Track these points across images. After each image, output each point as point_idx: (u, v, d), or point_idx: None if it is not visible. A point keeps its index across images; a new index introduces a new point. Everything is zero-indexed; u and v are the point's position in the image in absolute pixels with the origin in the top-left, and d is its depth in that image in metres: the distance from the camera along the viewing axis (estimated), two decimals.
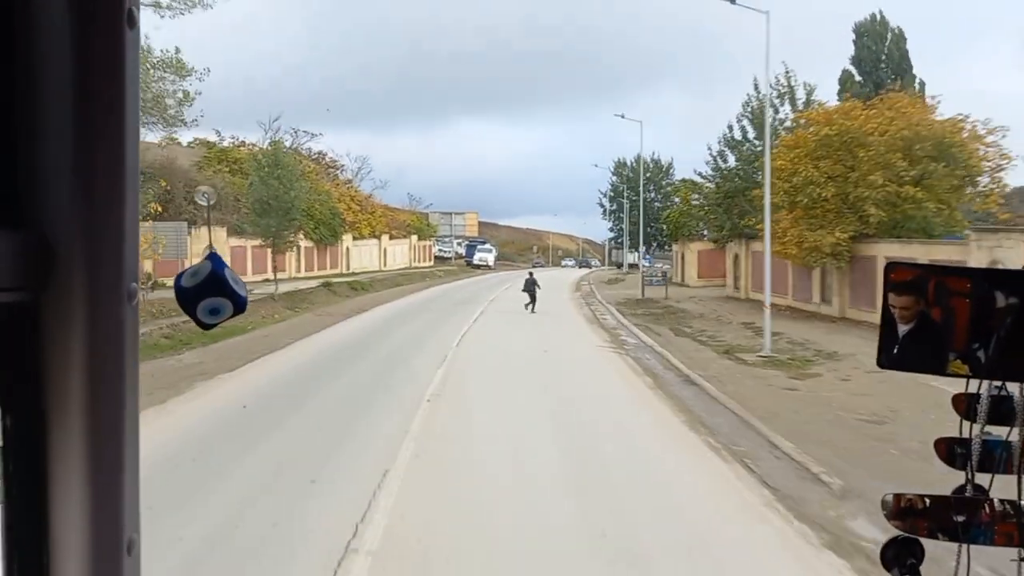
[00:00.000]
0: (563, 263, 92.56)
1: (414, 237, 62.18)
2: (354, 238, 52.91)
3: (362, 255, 55.33)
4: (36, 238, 0.90)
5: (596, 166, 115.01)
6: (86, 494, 0.96)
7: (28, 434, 0.94)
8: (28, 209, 0.91)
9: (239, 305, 1.12)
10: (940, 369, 1.61)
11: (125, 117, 0.94)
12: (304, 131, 50.19)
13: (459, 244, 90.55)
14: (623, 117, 79.37)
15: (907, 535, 1.64)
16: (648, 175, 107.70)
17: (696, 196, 48.11)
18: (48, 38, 0.90)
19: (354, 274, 48.28)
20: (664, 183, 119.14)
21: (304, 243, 40.03)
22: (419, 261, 63.94)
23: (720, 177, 41.15)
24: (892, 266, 1.60)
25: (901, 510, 1.66)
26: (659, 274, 37.32)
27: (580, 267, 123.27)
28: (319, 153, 57.64)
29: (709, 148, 41.17)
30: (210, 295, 1.11)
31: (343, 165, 62.89)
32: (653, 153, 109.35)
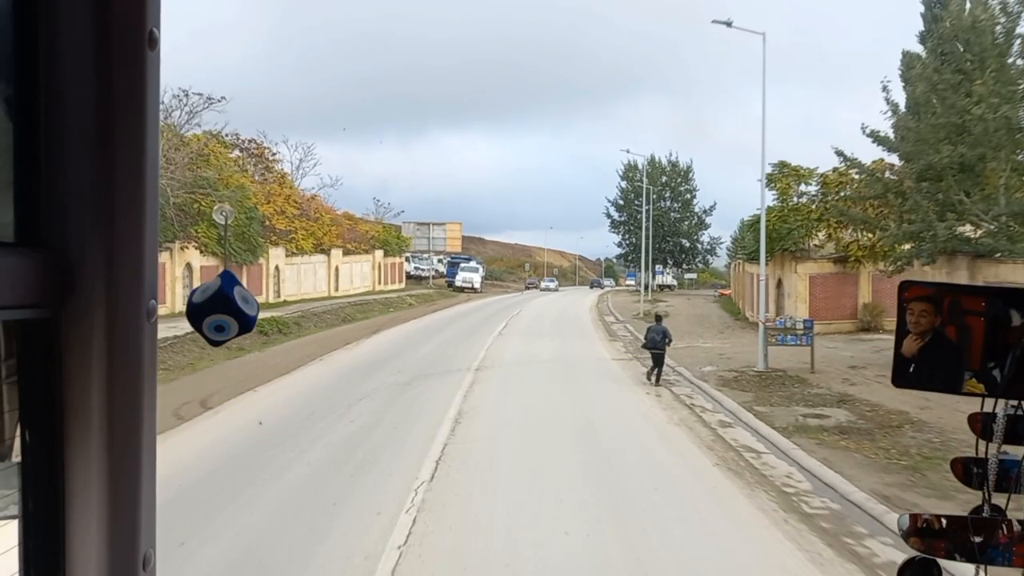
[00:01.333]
0: (543, 285, 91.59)
1: (379, 252, 50.49)
2: (288, 253, 36.76)
3: (301, 277, 38.72)
4: (57, 256, 0.95)
5: (627, 151, 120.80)
6: (103, 509, 1.00)
7: (46, 449, 0.99)
8: (50, 228, 0.95)
9: (245, 324, 1.11)
10: (955, 388, 1.62)
11: (145, 137, 0.99)
12: (197, 93, 34.05)
13: (440, 261, 76.84)
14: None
15: (924, 556, 1.62)
16: (664, 180, 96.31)
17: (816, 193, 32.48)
18: (70, 60, 0.94)
19: (285, 303, 33.07)
20: (683, 188, 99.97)
21: (199, 260, 28.99)
22: (386, 282, 52.69)
23: (917, 139, 20.11)
24: (906, 285, 1.63)
25: (918, 530, 1.63)
26: (793, 323, 21.64)
27: (592, 287, 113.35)
28: (247, 140, 41.99)
29: (886, 90, 21.69)
30: (216, 312, 1.11)
31: (277, 155, 45.01)
32: (670, 154, 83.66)
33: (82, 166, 0.98)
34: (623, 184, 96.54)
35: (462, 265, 68.75)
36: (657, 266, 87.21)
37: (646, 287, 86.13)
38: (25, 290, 0.95)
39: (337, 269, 42.91)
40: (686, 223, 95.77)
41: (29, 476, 1.01)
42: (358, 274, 48.07)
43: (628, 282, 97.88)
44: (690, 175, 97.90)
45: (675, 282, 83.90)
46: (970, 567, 1.56)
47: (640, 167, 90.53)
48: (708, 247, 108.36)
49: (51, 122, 0.97)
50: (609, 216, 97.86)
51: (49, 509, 1.00)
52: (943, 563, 1.59)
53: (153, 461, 1.05)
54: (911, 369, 1.61)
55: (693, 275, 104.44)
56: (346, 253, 44.28)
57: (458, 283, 63.68)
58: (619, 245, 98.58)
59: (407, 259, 68.98)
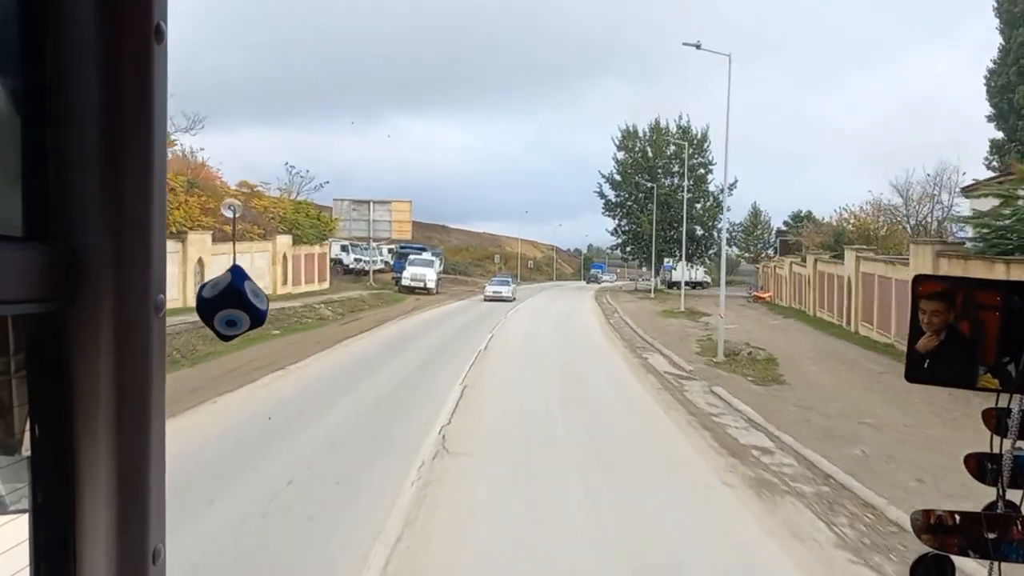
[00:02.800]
0: (490, 290, 59.84)
1: (284, 239, 37.18)
2: None
3: None
4: (65, 250, 0.92)
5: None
6: (112, 503, 0.97)
7: (56, 443, 0.96)
8: (58, 222, 0.92)
9: (257, 318, 1.07)
10: (970, 383, 1.55)
11: (153, 131, 0.96)
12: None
13: (391, 251, 64.20)
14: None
15: (937, 552, 1.56)
16: (672, 151, 78.13)
17: None
18: (77, 54, 0.91)
19: None
20: (696, 162, 76.69)
21: None
22: (297, 281, 38.19)
23: None
24: (920, 279, 1.57)
25: (931, 527, 1.56)
26: None
27: (589, 282, 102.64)
28: None
29: None
30: (228, 307, 1.07)
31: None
32: (680, 117, 76.94)
33: (90, 160, 0.94)
34: (619, 155, 75.66)
35: (412, 257, 54.20)
36: (666, 260, 74.98)
37: (671, 284, 75.52)
38: (33, 284, 0.91)
39: (201, 263, 28.75)
40: (699, 205, 74.99)
41: (39, 470, 0.96)
42: (251, 269, 29.82)
43: (642, 280, 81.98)
44: (705, 145, 75.82)
45: (708, 278, 73.26)
46: (984, 564, 1.47)
47: (642, 134, 75.49)
48: (731, 235, 76.07)
49: (58, 116, 0.93)
50: (602, 195, 76.98)
51: (59, 503, 0.96)
52: (956, 559, 1.49)
53: (162, 455, 1.00)
54: (925, 364, 1.50)
55: (701, 270, 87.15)
56: (221, 239, 30.28)
57: (406, 281, 49.50)
58: (615, 232, 76.92)
59: (344, 248, 57.00)
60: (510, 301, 43.82)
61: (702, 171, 70.20)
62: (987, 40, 67.18)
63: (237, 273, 1.08)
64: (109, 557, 0.97)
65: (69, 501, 0.95)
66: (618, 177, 72.97)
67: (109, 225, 0.93)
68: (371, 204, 54.32)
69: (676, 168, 69.38)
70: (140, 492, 0.98)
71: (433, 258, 53.49)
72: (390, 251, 59.38)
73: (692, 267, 72.84)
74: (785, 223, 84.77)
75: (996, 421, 1.50)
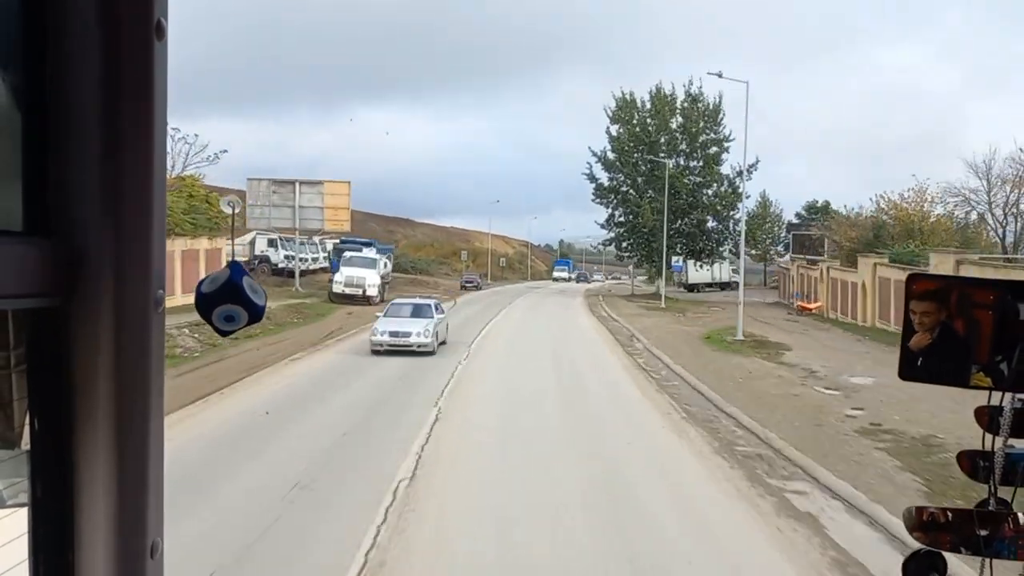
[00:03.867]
0: (464, 281, 68.78)
1: None
2: None
3: None
4: (65, 246, 0.90)
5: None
6: (111, 497, 0.94)
7: (55, 438, 0.93)
8: (58, 217, 0.90)
9: (255, 314, 1.06)
10: (963, 381, 1.51)
11: (153, 128, 0.94)
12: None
13: (334, 246, 52.23)
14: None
15: (929, 548, 1.51)
16: (679, 123, 62.78)
17: None
18: (78, 51, 0.89)
19: None
20: (708, 138, 62.99)
21: None
22: (175, 289, 28.36)
23: None
24: (914, 277, 1.52)
25: (923, 523, 1.51)
26: None
27: (579, 281, 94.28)
28: None
29: None
30: (226, 302, 1.06)
31: None
32: (689, 83, 61.40)
33: (90, 156, 0.91)
34: (614, 129, 61.10)
35: (348, 255, 41.85)
36: (675, 260, 60.01)
37: (691, 288, 68.57)
38: (33, 279, 0.88)
39: None
40: (710, 190, 61.06)
41: (38, 464, 0.94)
42: None
43: (617, 278, 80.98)
44: (720, 118, 60.03)
45: (736, 278, 51.29)
46: (975, 560, 1.44)
47: (640, 104, 60.75)
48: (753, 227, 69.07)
49: (59, 112, 0.89)
50: (592, 178, 62.43)
51: (57, 497, 0.94)
52: (948, 556, 1.45)
53: (161, 450, 0.98)
54: (919, 362, 1.47)
55: (728, 267, 71.73)
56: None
57: (338, 287, 38.45)
58: (607, 224, 63.27)
59: (272, 243, 48.33)
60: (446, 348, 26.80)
61: (715, 149, 59.38)
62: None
63: (235, 269, 1.05)
64: (108, 551, 0.94)
65: (68, 495, 0.93)
66: (612, 155, 60.97)
67: (109, 220, 0.90)
68: (297, 185, 43.60)
69: (684, 146, 59.29)
70: (138, 486, 0.95)
71: (377, 256, 43.60)
72: (335, 246, 49.67)
73: (703, 265, 66.13)
74: (798, 216, 76.18)
75: (989, 419, 1.46)
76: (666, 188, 49.06)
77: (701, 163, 58.26)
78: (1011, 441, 1.47)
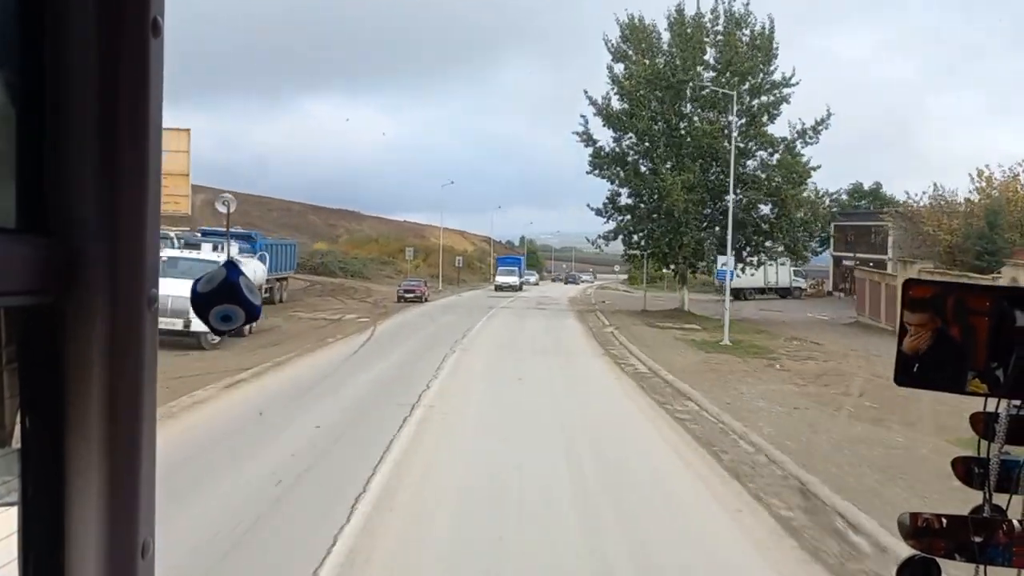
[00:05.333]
0: (402, 291, 52.14)
1: None
2: None
3: None
4: (59, 243, 0.89)
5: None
6: (102, 497, 0.92)
7: (47, 436, 0.92)
8: (52, 214, 0.89)
9: (252, 313, 1.06)
10: (959, 387, 1.48)
11: (149, 125, 0.93)
12: None
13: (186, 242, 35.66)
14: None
15: (924, 555, 1.47)
16: (713, 56, 44.82)
17: None
18: (74, 47, 0.88)
19: None
20: (759, 82, 43.67)
21: None
22: None
23: None
24: (911, 282, 1.49)
25: (918, 530, 1.48)
26: None
27: (567, 283, 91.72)
28: None
29: None
30: (223, 302, 1.05)
31: None
32: None
33: (85, 153, 0.89)
34: (619, 68, 44.36)
35: (170, 257, 25.44)
36: (719, 261, 40.66)
37: (735, 295, 43.59)
38: (27, 276, 0.86)
39: None
40: (753, 162, 43.73)
41: (29, 463, 0.93)
42: None
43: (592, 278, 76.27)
44: (772, 50, 42.65)
45: (802, 282, 52.75)
46: (969, 567, 1.45)
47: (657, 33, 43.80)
48: (827, 213, 48.99)
49: (55, 109, 0.88)
50: (588, 140, 45.23)
51: (49, 496, 0.92)
52: (943, 563, 1.45)
53: (153, 449, 0.97)
54: (914, 368, 1.47)
55: (788, 268, 54.15)
56: None
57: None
58: (607, 209, 45.96)
59: None
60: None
61: (765, 98, 42.04)
62: None
63: (231, 268, 1.05)
64: (99, 550, 0.91)
65: (59, 494, 0.91)
66: (618, 105, 43.16)
67: (104, 218, 0.89)
68: None
69: (722, 92, 39.96)
70: (130, 485, 0.93)
71: (211, 261, 25.92)
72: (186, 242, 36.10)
73: (745, 268, 44.05)
74: (841, 204, 57.98)
75: (984, 425, 1.48)
76: (732, 147, 36.92)
77: (743, 120, 43.28)
78: (1006, 448, 1.46)
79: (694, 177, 40.37)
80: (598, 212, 46.30)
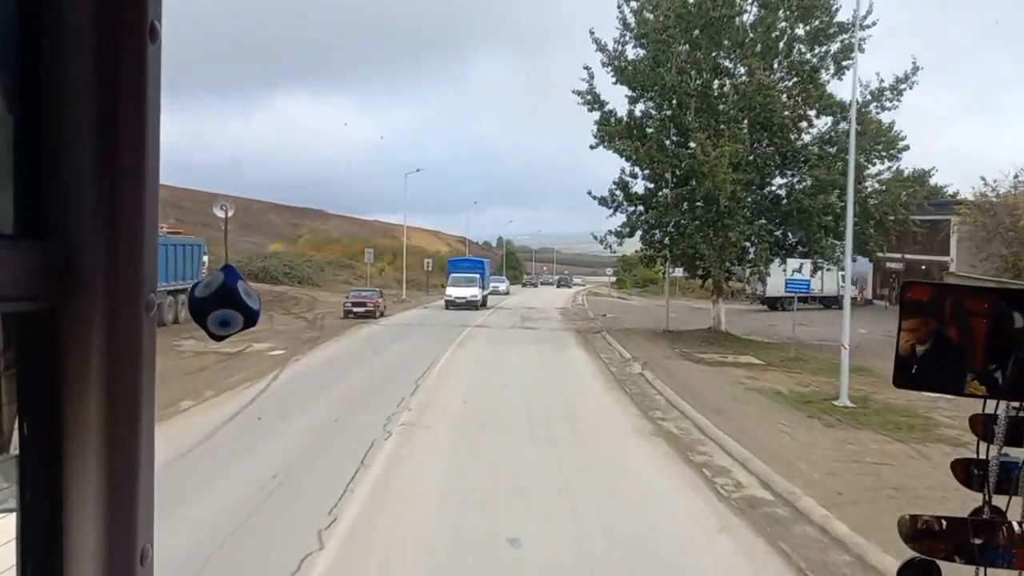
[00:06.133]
0: (350, 304, 40.32)
1: None
2: None
3: None
4: (57, 249, 0.87)
5: None
6: (101, 503, 0.89)
7: (44, 442, 0.89)
8: (50, 220, 0.87)
9: (250, 318, 1.02)
10: (958, 389, 1.43)
11: (146, 130, 0.90)
12: None
13: None
14: None
15: (924, 557, 1.42)
16: None
17: None
18: (71, 52, 0.86)
19: None
20: (819, 26, 31.12)
21: None
22: None
23: None
24: (909, 284, 1.44)
25: (918, 532, 1.42)
26: None
27: (559, 285, 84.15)
28: None
29: None
30: (221, 307, 1.00)
31: None
32: None
33: (83, 159, 0.88)
34: (632, 9, 31.71)
35: None
36: (788, 264, 34.15)
37: (772, 303, 45.52)
38: (25, 282, 0.84)
39: None
40: (818, 123, 33.27)
41: (27, 469, 0.90)
42: None
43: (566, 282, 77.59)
44: None
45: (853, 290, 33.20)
46: (969, 569, 1.44)
47: None
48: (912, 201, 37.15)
49: (52, 114, 0.87)
50: (593, 103, 32.41)
51: (47, 502, 0.89)
52: (943, 565, 1.43)
53: (152, 455, 0.96)
54: (913, 370, 1.44)
55: (802, 278, 35.33)
56: None
57: None
58: (613, 199, 33.75)
59: None
60: None
61: (832, 47, 32.06)
62: None
63: (230, 273, 1.01)
64: (97, 557, 0.89)
65: (57, 500, 0.89)
66: (633, 53, 32.51)
67: (102, 224, 0.87)
68: None
69: (774, 36, 32.05)
70: (129, 492, 0.91)
71: None
72: None
73: (813, 272, 34.55)
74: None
75: (983, 427, 1.44)
76: (854, 94, 29.95)
77: (794, 77, 32.09)
78: (1005, 449, 1.44)
79: (744, 150, 30.60)
80: (603, 202, 35.54)
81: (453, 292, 55.35)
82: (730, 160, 30.45)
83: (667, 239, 34.43)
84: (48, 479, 0.87)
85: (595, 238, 37.37)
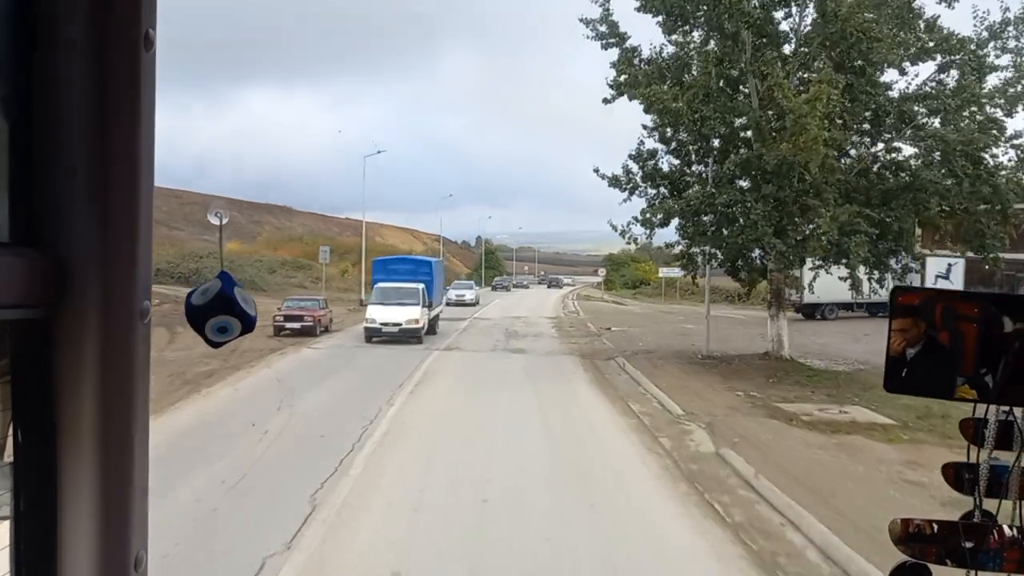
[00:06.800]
0: (286, 308, 30.81)
1: None
2: None
3: None
4: (52, 257, 0.88)
5: None
6: (95, 509, 0.89)
7: (39, 449, 0.89)
8: (45, 228, 0.89)
9: (247, 325, 1.04)
10: (948, 393, 1.40)
11: (140, 138, 0.93)
12: None
13: None
14: None
15: (915, 561, 1.37)
16: None
17: None
18: (67, 61, 0.89)
19: None
20: None
21: None
22: None
23: None
24: (899, 290, 1.41)
25: (908, 535, 1.37)
26: None
27: (550, 286, 78.18)
28: None
29: None
30: (218, 314, 1.02)
31: None
32: None
33: (78, 167, 0.94)
34: None
35: None
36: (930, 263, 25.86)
37: (809, 311, 34.55)
38: (19, 290, 0.87)
39: None
40: (915, 70, 22.27)
41: (21, 476, 0.94)
42: None
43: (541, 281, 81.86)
44: None
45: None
46: (960, 572, 1.51)
47: None
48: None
49: (47, 122, 0.93)
50: (612, 38, 20.17)
51: (41, 509, 0.93)
52: (934, 568, 1.47)
53: (146, 461, 1.01)
54: (903, 374, 1.51)
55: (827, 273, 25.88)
56: None
57: None
58: (627, 179, 22.42)
59: None
60: None
61: None
62: None
63: (226, 280, 1.06)
64: (91, 563, 0.93)
65: (51, 507, 0.94)
66: None
67: (96, 231, 0.94)
68: None
69: None
70: (123, 498, 0.96)
71: None
72: None
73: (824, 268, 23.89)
74: None
75: (973, 431, 1.49)
76: None
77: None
78: (995, 453, 1.47)
79: (836, 98, 20.38)
80: (614, 182, 25.25)
81: (377, 316, 35.38)
82: (823, 111, 20.59)
83: (713, 228, 23.55)
84: (42, 486, 0.90)
85: (613, 228, 26.85)
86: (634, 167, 24.49)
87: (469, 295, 60.92)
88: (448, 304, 50.12)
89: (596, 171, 24.42)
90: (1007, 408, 1.35)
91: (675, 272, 50.76)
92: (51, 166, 0.77)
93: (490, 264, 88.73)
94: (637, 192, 24.88)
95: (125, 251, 0.81)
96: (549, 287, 79.84)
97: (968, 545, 1.31)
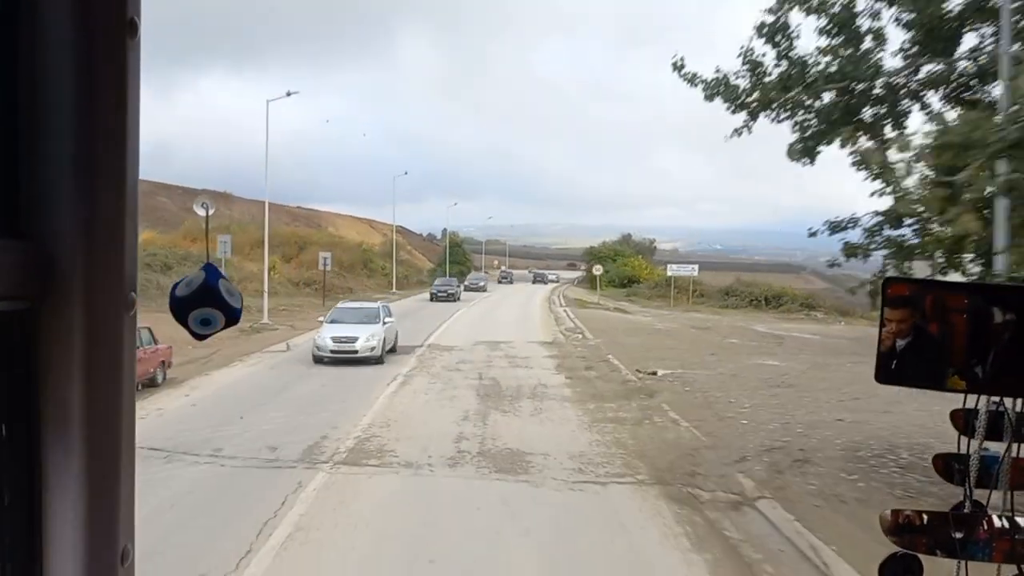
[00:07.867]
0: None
1: None
2: None
3: None
4: (37, 248, 0.87)
5: None
6: (81, 503, 0.88)
7: (24, 442, 0.87)
8: (30, 219, 0.87)
9: (232, 317, 1.02)
10: (939, 384, 1.39)
11: (126, 127, 0.92)
12: None
13: None
14: None
15: (905, 551, 1.38)
16: None
17: None
18: (51, 49, 0.87)
19: None
20: None
21: None
22: None
23: None
24: (889, 281, 1.43)
25: (899, 526, 1.38)
26: None
27: (535, 281, 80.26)
28: None
29: None
30: (202, 306, 1.00)
31: None
32: None
33: (63, 157, 0.92)
34: None
35: None
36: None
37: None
38: (4, 282, 0.86)
39: None
40: None
41: (6, 469, 0.92)
42: None
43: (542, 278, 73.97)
44: None
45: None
46: (951, 562, 1.49)
47: None
48: None
49: (31, 113, 0.91)
50: None
51: (27, 502, 0.91)
52: (924, 559, 1.50)
53: (132, 454, 0.99)
54: (894, 365, 1.53)
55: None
56: None
57: None
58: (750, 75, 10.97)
59: None
60: None
61: None
62: None
63: (211, 271, 1.06)
64: (77, 557, 0.91)
65: (37, 500, 0.93)
66: None
67: (82, 223, 0.93)
68: None
69: None
70: (109, 491, 0.95)
71: None
72: None
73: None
74: None
75: (964, 422, 1.52)
76: None
77: None
78: (985, 444, 1.47)
79: None
80: (722, 89, 11.97)
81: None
82: None
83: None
84: (27, 479, 0.89)
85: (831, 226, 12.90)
86: (768, 51, 13.96)
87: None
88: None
89: (678, 67, 13.98)
90: (997, 399, 1.40)
91: (685, 270, 42.73)
92: (36, 157, 0.80)
93: (455, 258, 73.72)
94: (785, 107, 13.73)
95: (111, 242, 0.85)
96: (534, 282, 78.40)
97: (958, 535, 1.35)
